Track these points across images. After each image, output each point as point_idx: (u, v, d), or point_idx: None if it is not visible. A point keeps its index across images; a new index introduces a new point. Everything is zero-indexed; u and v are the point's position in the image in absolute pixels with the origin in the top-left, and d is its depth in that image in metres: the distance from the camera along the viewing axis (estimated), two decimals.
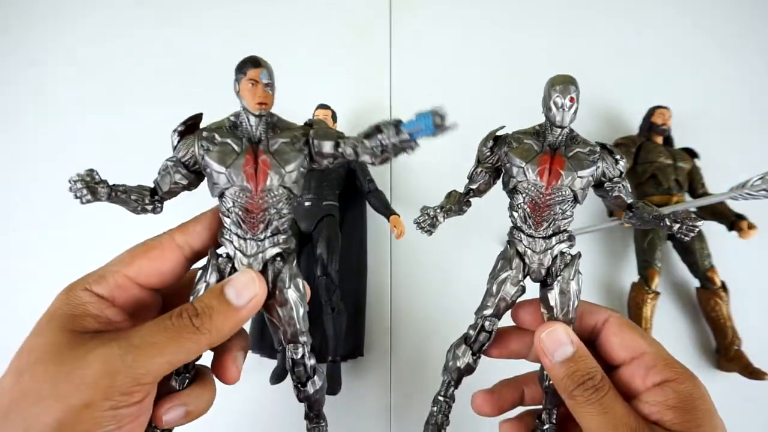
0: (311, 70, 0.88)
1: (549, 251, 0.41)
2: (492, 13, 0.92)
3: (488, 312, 0.43)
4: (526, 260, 0.42)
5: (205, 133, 0.32)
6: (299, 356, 0.36)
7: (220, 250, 0.33)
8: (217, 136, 0.31)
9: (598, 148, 0.42)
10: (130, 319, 0.30)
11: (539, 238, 0.42)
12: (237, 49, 0.95)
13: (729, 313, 0.71)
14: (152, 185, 0.33)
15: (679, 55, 0.90)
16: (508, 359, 0.42)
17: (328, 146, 0.32)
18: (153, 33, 0.88)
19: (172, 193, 0.33)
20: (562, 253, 0.41)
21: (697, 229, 0.41)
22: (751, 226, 0.69)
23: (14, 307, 0.59)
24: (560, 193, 0.40)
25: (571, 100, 0.40)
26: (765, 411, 0.70)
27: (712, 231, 0.73)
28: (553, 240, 0.41)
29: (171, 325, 0.26)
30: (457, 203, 0.44)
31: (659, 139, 0.78)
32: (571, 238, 0.42)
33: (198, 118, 0.33)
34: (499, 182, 0.45)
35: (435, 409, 0.44)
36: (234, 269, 0.32)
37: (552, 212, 0.41)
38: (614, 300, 0.75)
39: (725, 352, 0.69)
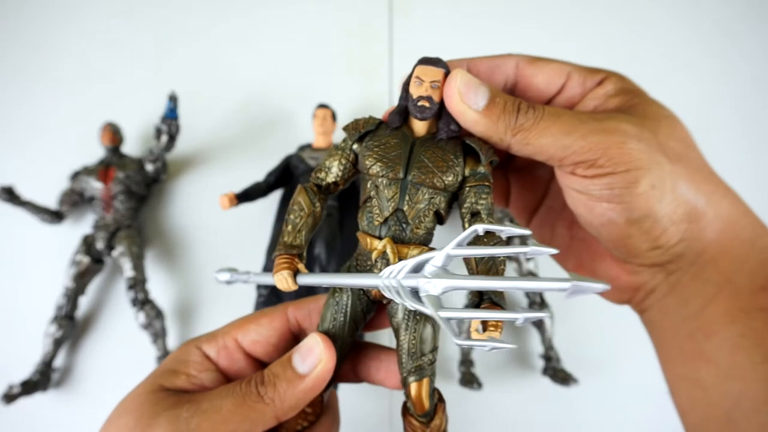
0: (311, 70, 0.88)
1: None
2: (494, 11, 0.91)
3: None
4: None
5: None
6: None
7: None
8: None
9: None
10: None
11: None
12: (237, 48, 0.96)
13: None
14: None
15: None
16: None
17: None
18: (148, 33, 0.89)
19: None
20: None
21: None
22: None
23: None
24: None
25: None
26: None
27: None
28: None
29: (239, 390, 0.25)
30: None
31: None
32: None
33: None
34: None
35: (463, 368, 0.65)
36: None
37: None
38: None
39: None
